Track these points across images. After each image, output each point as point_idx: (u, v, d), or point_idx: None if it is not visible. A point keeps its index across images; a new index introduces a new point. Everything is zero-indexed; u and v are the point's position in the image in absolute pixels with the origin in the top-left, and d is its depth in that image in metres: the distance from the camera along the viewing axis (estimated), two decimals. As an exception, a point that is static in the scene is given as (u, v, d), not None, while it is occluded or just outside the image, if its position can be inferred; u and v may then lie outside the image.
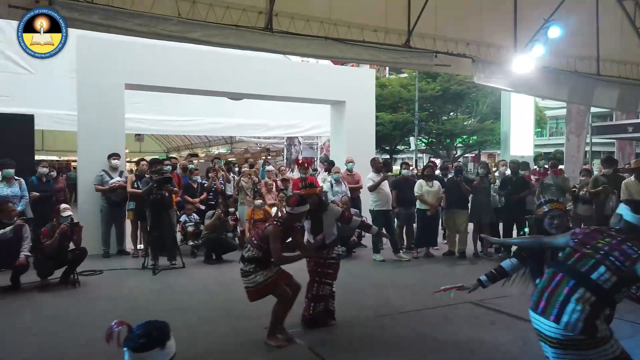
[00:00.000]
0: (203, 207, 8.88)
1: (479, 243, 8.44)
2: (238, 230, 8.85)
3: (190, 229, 8.37)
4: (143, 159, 8.72)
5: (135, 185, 8.26)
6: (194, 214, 8.63)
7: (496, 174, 9.33)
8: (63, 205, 6.49)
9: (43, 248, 6.16)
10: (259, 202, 8.85)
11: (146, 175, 7.83)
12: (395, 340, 4.44)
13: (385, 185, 8.04)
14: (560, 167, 8.82)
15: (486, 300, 5.61)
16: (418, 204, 8.24)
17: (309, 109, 13.61)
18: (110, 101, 8.52)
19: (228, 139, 19.76)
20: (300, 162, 8.02)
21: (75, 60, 8.60)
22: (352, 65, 13.61)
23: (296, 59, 11.01)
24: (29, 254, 6.07)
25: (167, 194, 7.39)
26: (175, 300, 5.81)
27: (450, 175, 8.68)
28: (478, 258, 8.22)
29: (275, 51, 7.23)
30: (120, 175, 8.34)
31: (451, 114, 27.41)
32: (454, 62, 8.49)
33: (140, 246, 8.39)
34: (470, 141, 26.49)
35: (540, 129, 35.98)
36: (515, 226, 8.14)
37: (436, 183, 8.31)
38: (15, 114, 8.28)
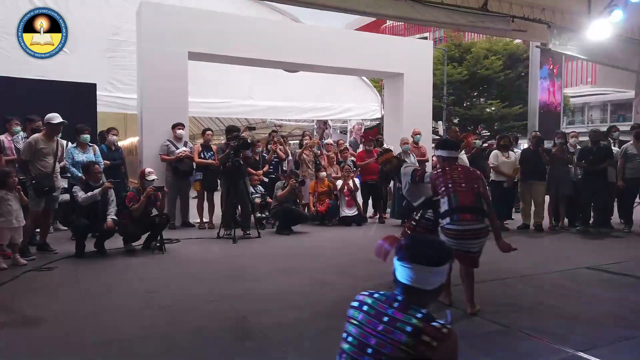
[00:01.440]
0: (266, 180, 8.66)
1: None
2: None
3: (257, 200, 8.14)
4: (209, 129, 8.48)
5: (202, 156, 8.05)
6: (259, 186, 8.40)
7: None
8: (148, 169, 6.28)
9: (130, 212, 5.95)
10: (323, 174, 8.62)
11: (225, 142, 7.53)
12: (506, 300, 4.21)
13: (463, 155, 7.76)
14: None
15: (602, 265, 5.39)
16: (493, 176, 7.96)
17: (341, 92, 13.38)
18: (173, 70, 8.26)
19: (261, 122, 19.55)
20: (365, 134, 7.72)
21: (136, 27, 8.34)
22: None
23: (352, 31, 10.70)
24: (115, 217, 5.85)
25: (242, 162, 7.13)
26: (274, 262, 5.60)
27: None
28: (555, 231, 7.94)
29: (360, 12, 6.98)
30: (185, 145, 8.11)
31: (480, 99, 27.03)
32: (529, 28, 8.21)
33: (207, 219, 8.18)
34: (496, 126, 26.15)
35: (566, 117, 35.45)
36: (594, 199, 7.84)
37: (512, 154, 8.03)
38: (78, 82, 8.04)
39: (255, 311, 3.85)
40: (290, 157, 9.62)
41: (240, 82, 12.09)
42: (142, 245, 6.23)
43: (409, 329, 1.63)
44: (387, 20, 44.31)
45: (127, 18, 9.18)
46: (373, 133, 5.21)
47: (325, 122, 13.25)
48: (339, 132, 19.07)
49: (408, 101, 10.24)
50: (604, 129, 8.99)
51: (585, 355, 2.93)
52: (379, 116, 16.16)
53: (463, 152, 7.76)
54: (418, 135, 8.85)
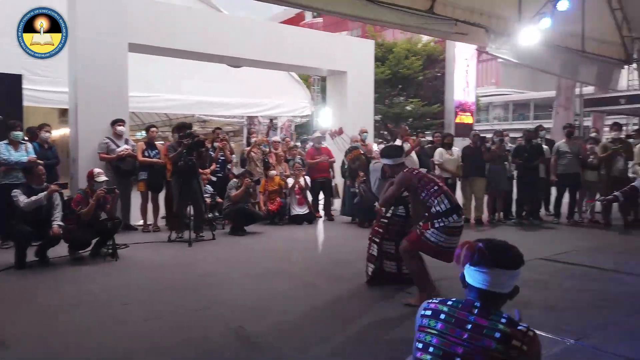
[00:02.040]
0: (214, 179, 8.34)
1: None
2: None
3: (207, 200, 7.79)
4: (153, 126, 7.98)
5: (147, 154, 7.56)
6: (207, 185, 8.06)
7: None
8: (97, 170, 5.77)
9: (78, 217, 5.43)
10: (274, 172, 8.48)
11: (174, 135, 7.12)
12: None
13: (413, 153, 7.99)
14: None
15: (552, 256, 5.82)
16: (439, 172, 8.29)
17: (271, 88, 13.29)
18: (111, 62, 7.66)
19: (189, 117, 18.82)
20: (332, 132, 7.74)
21: (68, 13, 7.61)
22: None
23: (297, 27, 10.60)
24: (62, 223, 5.31)
25: (195, 161, 6.79)
26: (245, 266, 5.40)
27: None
28: (494, 225, 8.46)
29: (315, 8, 6.93)
30: (126, 142, 7.57)
31: (400, 97, 28.05)
32: (470, 32, 8.62)
33: (150, 220, 7.71)
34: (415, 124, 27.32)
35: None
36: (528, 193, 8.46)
37: (455, 151, 8.42)
38: (1, 73, 7.16)
39: (248, 319, 3.67)
40: (234, 155, 9.35)
41: (166, 75, 11.52)
42: (89, 252, 5.72)
43: (497, 335, 1.63)
44: (307, 17, 44.58)
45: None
46: (340, 131, 5.14)
47: (270, 120, 13.02)
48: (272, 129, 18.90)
49: (351, 99, 10.36)
50: (508, 127, 9.71)
51: (584, 344, 3.14)
52: (309, 113, 16.23)
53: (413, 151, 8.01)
54: (365, 133, 8.98)
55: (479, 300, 1.74)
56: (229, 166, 9.03)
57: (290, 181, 8.53)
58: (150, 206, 7.77)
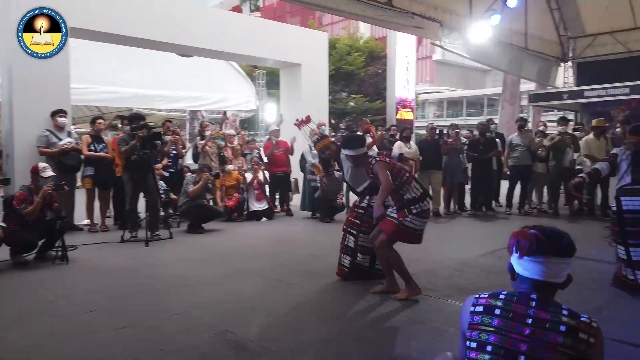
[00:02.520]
0: (167, 174, 7.86)
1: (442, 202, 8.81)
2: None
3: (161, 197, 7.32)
4: (99, 117, 7.37)
5: (93, 148, 6.98)
6: (160, 181, 7.57)
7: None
8: (42, 165, 5.20)
9: (22, 216, 4.85)
10: (231, 166, 8.13)
11: (119, 127, 6.62)
12: (461, 283, 4.44)
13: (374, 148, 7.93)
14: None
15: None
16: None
17: (215, 81, 12.83)
18: (50, 47, 6.96)
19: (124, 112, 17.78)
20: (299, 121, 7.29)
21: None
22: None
23: (251, 17, 10.21)
24: (4, 224, 4.72)
25: (151, 155, 6.32)
26: (214, 266, 5.07)
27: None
28: (450, 216, 8.61)
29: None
30: (69, 135, 6.93)
31: (343, 93, 28.22)
32: (426, 26, 8.69)
33: (100, 220, 7.12)
34: (349, 121, 27.63)
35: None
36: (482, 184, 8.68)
37: (413, 144, 8.47)
38: None
39: (233, 322, 3.39)
40: (184, 150, 8.88)
41: (103, 66, 10.74)
42: (35, 255, 5.15)
43: (562, 328, 1.52)
44: (244, 11, 43.76)
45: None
46: (307, 119, 4.81)
47: (224, 113, 12.53)
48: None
49: (306, 92, 10.17)
50: (442, 123, 9.97)
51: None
52: (254, 107, 15.86)
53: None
54: (323, 127, 8.81)
55: (534, 292, 1.62)
56: (180, 161, 8.57)
57: (249, 176, 8.21)
58: (97, 204, 7.18)
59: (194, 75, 12.51)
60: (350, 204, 8.48)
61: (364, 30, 38.04)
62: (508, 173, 8.67)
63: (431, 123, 9.76)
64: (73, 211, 7.10)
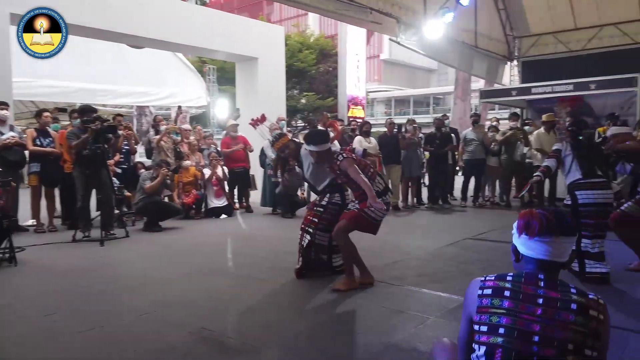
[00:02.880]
0: (119, 171, 7.48)
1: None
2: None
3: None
4: (45, 110, 6.90)
5: (39, 142, 6.53)
6: (113, 178, 7.19)
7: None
8: (-15, 159, 4.77)
9: (-36, 216, 4.45)
10: (188, 162, 7.86)
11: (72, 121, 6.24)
12: (432, 272, 4.50)
13: (336, 142, 7.90)
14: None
15: (477, 235, 6.11)
16: (358, 160, 8.33)
17: (164, 76, 12.47)
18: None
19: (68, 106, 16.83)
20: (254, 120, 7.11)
21: None
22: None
23: (207, 8, 9.90)
24: (-58, 225, 4.31)
25: (104, 149, 5.98)
26: (179, 264, 4.86)
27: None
28: (409, 209, 8.74)
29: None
30: (12, 129, 6.45)
31: (294, 91, 28.12)
32: (384, 22, 8.77)
33: (48, 219, 6.68)
34: (309, 117, 27.62)
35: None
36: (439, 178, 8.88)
37: (373, 139, 8.52)
38: None
39: (208, 320, 3.24)
40: (137, 146, 8.51)
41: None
42: (-23, 258, 4.74)
43: (574, 306, 1.52)
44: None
45: None
46: (262, 119, 4.59)
47: (179, 107, 12.10)
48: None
49: (263, 86, 10.01)
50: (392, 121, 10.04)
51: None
52: (205, 103, 15.50)
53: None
54: (282, 122, 8.72)
55: (541, 272, 1.62)
56: (133, 157, 8.20)
57: (207, 172, 7.97)
58: (43, 203, 6.73)
59: (141, 69, 12.07)
60: (312, 199, 8.41)
61: (314, 26, 38.13)
62: (460, 167, 8.90)
63: (390, 118, 9.85)
64: (17, 211, 6.60)
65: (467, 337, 1.70)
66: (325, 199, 4.28)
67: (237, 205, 8.69)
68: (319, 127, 8.02)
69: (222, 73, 24.15)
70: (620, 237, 4.35)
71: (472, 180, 9.06)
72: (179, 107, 12.00)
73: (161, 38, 8.62)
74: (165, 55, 12.39)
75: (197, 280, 4.28)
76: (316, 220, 4.24)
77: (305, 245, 4.23)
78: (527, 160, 8.73)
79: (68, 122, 7.65)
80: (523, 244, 1.67)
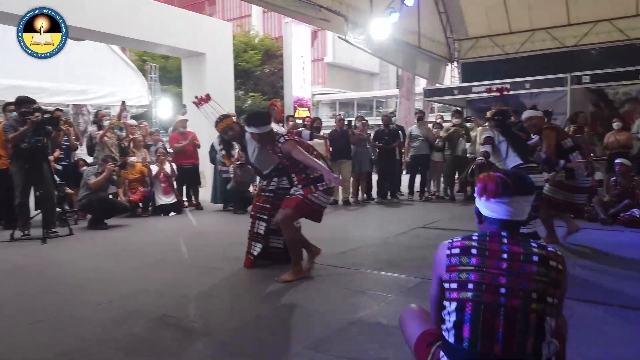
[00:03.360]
0: (60, 167, 7.12)
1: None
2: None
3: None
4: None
5: (-29, 135, 6.10)
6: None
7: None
8: None
9: None
10: (134, 158, 7.61)
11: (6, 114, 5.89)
12: (388, 257, 4.64)
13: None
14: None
15: (428, 225, 6.33)
16: (309, 155, 8.39)
17: (103, 74, 12.05)
18: None
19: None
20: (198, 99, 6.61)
21: None
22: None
23: (155, 2, 9.60)
24: None
25: (45, 143, 5.68)
26: (131, 259, 4.70)
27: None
28: (359, 204, 8.91)
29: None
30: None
31: (239, 91, 27.83)
32: (332, 19, 8.89)
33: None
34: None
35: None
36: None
37: (322, 135, 8.61)
38: None
39: (169, 307, 3.17)
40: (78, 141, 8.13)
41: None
42: None
43: (535, 258, 1.64)
44: None
45: None
46: (206, 98, 4.22)
47: (123, 102, 11.62)
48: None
49: (211, 83, 9.85)
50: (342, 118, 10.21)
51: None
52: (147, 102, 15.06)
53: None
54: (234, 117, 8.62)
55: (503, 230, 1.73)
56: (73, 153, 7.84)
57: (154, 168, 7.74)
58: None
59: (79, 66, 11.53)
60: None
61: (258, 26, 37.96)
62: (406, 162, 9.19)
63: (340, 114, 10.00)
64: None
65: (438, 295, 1.78)
66: (274, 183, 4.20)
67: (186, 202, 8.50)
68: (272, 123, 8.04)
69: (164, 72, 23.52)
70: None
71: (418, 176, 9.39)
72: (123, 102, 11.59)
73: (105, 30, 8.31)
74: (104, 52, 11.91)
75: (151, 272, 4.16)
76: (268, 206, 4.15)
77: (263, 232, 4.13)
78: (469, 155, 9.11)
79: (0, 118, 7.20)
80: (484, 206, 1.77)
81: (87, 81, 12.24)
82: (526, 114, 5.27)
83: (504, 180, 1.73)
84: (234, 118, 4.54)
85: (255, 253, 4.17)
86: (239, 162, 5.45)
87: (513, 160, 4.57)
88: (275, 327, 2.84)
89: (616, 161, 6.68)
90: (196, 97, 4.56)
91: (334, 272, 4.01)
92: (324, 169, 3.59)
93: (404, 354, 2.24)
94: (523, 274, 1.61)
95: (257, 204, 4.23)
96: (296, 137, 3.98)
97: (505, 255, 1.65)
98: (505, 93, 5.57)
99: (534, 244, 1.69)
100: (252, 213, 4.24)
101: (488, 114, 8.80)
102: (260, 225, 4.15)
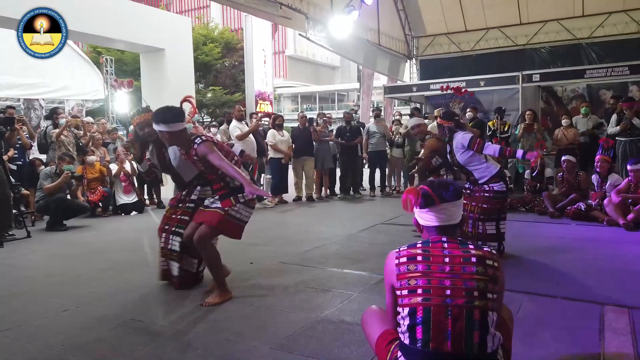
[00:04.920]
0: (14, 167, 6.93)
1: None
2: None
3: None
4: None
5: None
6: (7, 175, 6.63)
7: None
8: None
9: None
10: (93, 157, 7.47)
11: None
12: (351, 255, 4.82)
13: (251, 135, 7.95)
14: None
15: (389, 221, 6.53)
16: (272, 153, 8.46)
17: (55, 67, 11.68)
18: None
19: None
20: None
21: None
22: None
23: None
24: None
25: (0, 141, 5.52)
26: (85, 262, 4.65)
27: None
28: (322, 199, 9.06)
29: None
30: None
31: (199, 85, 27.40)
32: (293, 17, 8.96)
33: None
34: (218, 112, 27.11)
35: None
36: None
37: (286, 132, 8.69)
38: None
39: (136, 312, 3.21)
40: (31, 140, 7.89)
41: None
42: None
43: (474, 259, 1.80)
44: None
45: None
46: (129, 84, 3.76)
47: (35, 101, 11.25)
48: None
49: (170, 79, 9.73)
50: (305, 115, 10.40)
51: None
52: (102, 97, 14.71)
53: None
54: (197, 116, 8.57)
55: (442, 235, 1.88)
56: (27, 152, 7.63)
57: (113, 167, 7.62)
58: None
59: (29, 59, 11.08)
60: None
61: (217, 19, 37.33)
62: (365, 158, 9.40)
63: (302, 112, 10.08)
64: None
65: (393, 303, 1.91)
66: (196, 192, 3.70)
67: (147, 201, 8.40)
68: (234, 121, 8.04)
69: (119, 65, 22.84)
70: None
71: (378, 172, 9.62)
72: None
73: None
74: (57, 44, 11.52)
75: (115, 275, 4.16)
76: (187, 218, 3.62)
77: (178, 249, 3.60)
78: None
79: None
80: (418, 216, 1.94)
81: (39, 74, 11.81)
82: (412, 122, 5.54)
83: (426, 192, 1.89)
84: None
85: (176, 272, 3.66)
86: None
87: None
88: (243, 327, 2.93)
89: (563, 158, 7.08)
90: (115, 81, 4.21)
91: (299, 270, 4.13)
92: (244, 179, 3.12)
93: (366, 351, 2.39)
94: (464, 274, 1.76)
95: (174, 216, 3.69)
96: (214, 138, 3.45)
97: (447, 259, 1.80)
98: (463, 91, 5.72)
99: (471, 246, 1.86)
100: (166, 227, 3.69)
101: (435, 112, 9.21)
102: (173, 242, 3.63)
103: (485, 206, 4.23)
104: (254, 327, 2.91)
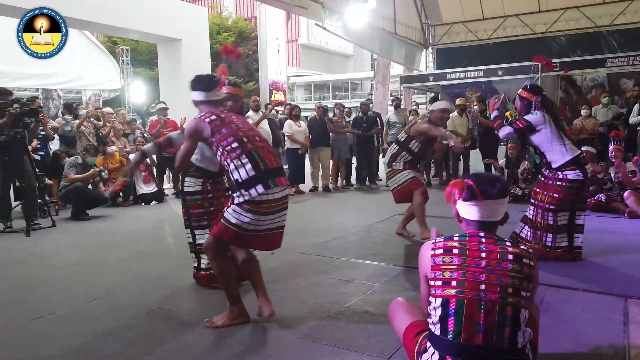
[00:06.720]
0: (38, 157, 7.06)
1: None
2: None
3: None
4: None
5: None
6: (31, 166, 6.77)
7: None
8: None
9: None
10: (113, 148, 7.58)
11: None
12: (370, 246, 4.85)
13: (265, 124, 7.98)
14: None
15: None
16: (289, 144, 8.49)
17: (72, 57, 11.76)
18: None
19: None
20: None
21: None
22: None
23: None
24: None
25: (25, 134, 5.63)
26: (110, 251, 4.76)
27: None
28: (339, 190, 9.08)
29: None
30: None
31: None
32: (309, 7, 8.92)
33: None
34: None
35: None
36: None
37: (303, 123, 8.71)
38: None
39: (163, 300, 3.29)
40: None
41: None
42: None
43: (511, 257, 1.82)
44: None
45: None
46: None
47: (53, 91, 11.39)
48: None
49: (186, 69, 9.77)
50: (312, 105, 10.48)
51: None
52: (119, 87, 14.80)
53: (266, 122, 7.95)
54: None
55: (480, 231, 1.90)
56: (49, 143, 7.76)
57: (133, 157, 7.70)
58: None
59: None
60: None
61: (230, 7, 37.26)
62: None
63: (319, 102, 10.09)
64: None
65: (427, 294, 1.94)
66: (183, 190, 3.48)
67: (172, 189, 8.47)
68: (250, 111, 8.06)
69: (135, 54, 22.94)
70: None
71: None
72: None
73: (77, 17, 8.11)
74: (72, 34, 11.60)
75: (139, 264, 4.24)
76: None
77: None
78: (444, 142, 9.35)
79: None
80: (460, 208, 1.95)
81: (56, 65, 11.89)
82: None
83: (471, 187, 1.90)
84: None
85: (204, 266, 3.44)
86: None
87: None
88: (269, 319, 2.98)
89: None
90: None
91: (320, 261, 4.17)
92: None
93: (392, 341, 2.43)
94: (500, 270, 1.79)
95: (193, 210, 3.37)
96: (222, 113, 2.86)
97: (483, 254, 1.82)
98: (554, 66, 4.65)
99: (508, 243, 1.88)
100: (194, 222, 3.41)
101: (458, 101, 9.13)
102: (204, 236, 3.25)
103: (557, 195, 3.92)
104: (280, 317, 2.96)
